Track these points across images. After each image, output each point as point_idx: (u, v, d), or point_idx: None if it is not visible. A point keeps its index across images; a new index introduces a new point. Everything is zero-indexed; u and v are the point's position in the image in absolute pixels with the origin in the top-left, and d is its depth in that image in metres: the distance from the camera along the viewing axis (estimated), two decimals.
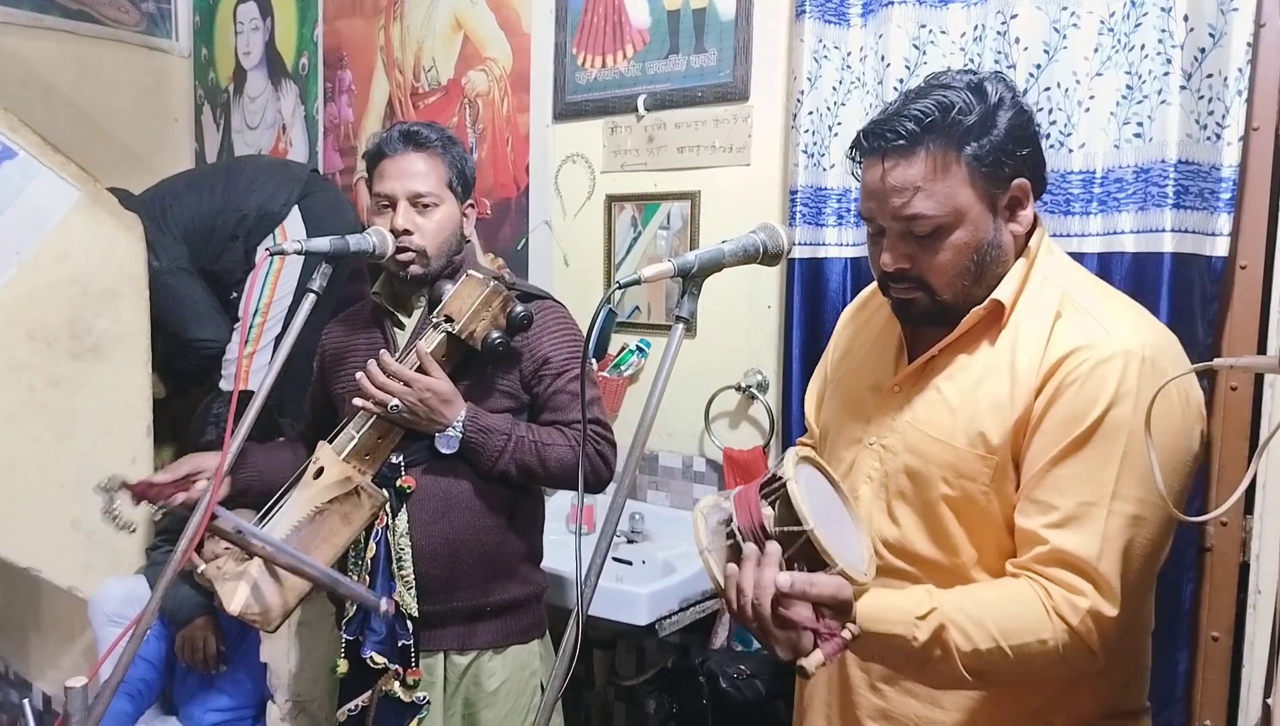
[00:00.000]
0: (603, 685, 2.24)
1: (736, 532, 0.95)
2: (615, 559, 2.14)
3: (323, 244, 1.41)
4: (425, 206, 1.56)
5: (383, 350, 1.53)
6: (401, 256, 1.54)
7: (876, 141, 1.04)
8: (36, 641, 2.70)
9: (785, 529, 0.93)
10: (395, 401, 1.46)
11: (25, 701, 1.36)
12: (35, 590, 2.52)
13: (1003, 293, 1.06)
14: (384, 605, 1.44)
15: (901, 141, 1.01)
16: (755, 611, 0.90)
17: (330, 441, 1.53)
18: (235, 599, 1.40)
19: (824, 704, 1.23)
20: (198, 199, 2.57)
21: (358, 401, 1.51)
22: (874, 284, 1.23)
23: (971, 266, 1.04)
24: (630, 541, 2.19)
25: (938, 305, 1.07)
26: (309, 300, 1.38)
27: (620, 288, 0.99)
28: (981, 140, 1.01)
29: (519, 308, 1.50)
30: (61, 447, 2.26)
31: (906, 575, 1.10)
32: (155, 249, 2.47)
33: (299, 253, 1.40)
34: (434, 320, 1.51)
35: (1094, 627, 0.96)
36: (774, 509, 0.97)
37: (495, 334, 1.48)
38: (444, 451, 1.51)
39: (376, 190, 1.59)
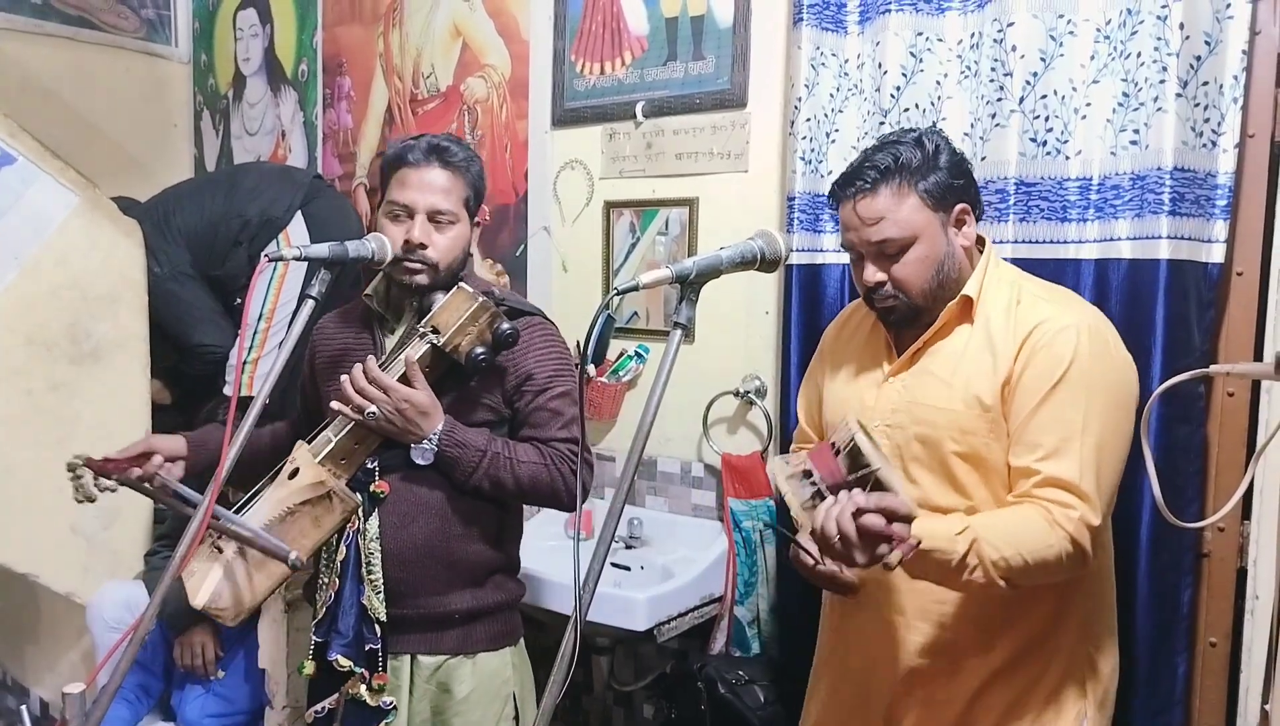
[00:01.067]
0: (601, 690, 2.24)
1: (819, 484, 1.16)
2: (614, 564, 2.14)
3: (322, 250, 1.41)
4: (441, 223, 1.55)
5: (370, 356, 1.52)
6: (411, 265, 1.54)
7: (847, 188, 1.33)
8: (34, 647, 2.69)
9: (859, 473, 1.14)
10: (373, 408, 1.47)
11: (23, 707, 1.35)
12: (33, 595, 2.51)
13: (970, 289, 1.33)
14: (291, 556, 1.43)
15: (866, 185, 1.30)
16: (840, 528, 1.08)
17: (309, 442, 1.54)
18: (201, 592, 1.44)
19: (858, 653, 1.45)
20: (201, 205, 2.57)
21: (335, 405, 1.51)
22: (852, 304, 1.55)
23: (935, 273, 1.32)
24: (629, 547, 2.19)
25: (913, 307, 1.34)
26: (308, 306, 1.39)
27: (618, 294, 1.00)
28: (928, 176, 1.30)
29: (505, 325, 1.50)
30: (60, 452, 2.24)
31: None
32: (157, 255, 2.47)
33: (298, 259, 1.40)
34: (421, 330, 1.50)
35: (1085, 532, 1.21)
36: (844, 465, 1.17)
37: (480, 349, 1.48)
38: (419, 462, 1.52)
39: (393, 197, 1.57)
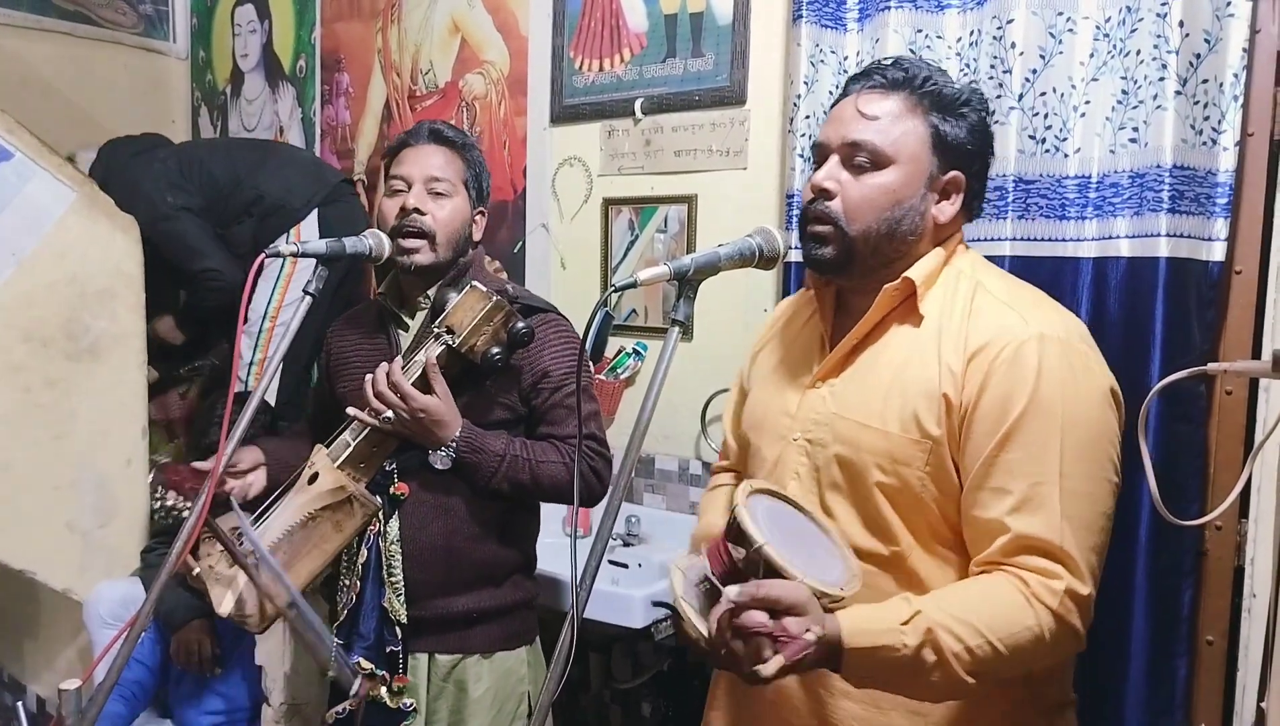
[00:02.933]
0: (598, 688, 2.24)
1: (710, 579, 0.95)
2: (611, 562, 2.13)
3: (320, 246, 1.41)
4: (439, 194, 1.55)
5: (390, 361, 1.51)
6: (408, 240, 1.53)
7: (863, 80, 1.13)
8: (31, 644, 2.69)
9: (745, 556, 0.93)
10: (389, 413, 1.47)
11: (19, 704, 1.35)
12: (30, 592, 2.51)
13: (916, 272, 1.10)
14: (356, 688, 1.46)
15: (884, 82, 1.11)
16: (719, 631, 0.90)
17: (327, 446, 1.54)
18: (226, 600, 1.43)
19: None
20: (228, 161, 2.59)
21: (351, 410, 1.51)
22: (787, 300, 1.30)
23: (889, 215, 1.09)
24: (626, 544, 2.19)
25: (845, 249, 1.10)
26: (305, 302, 1.39)
27: (616, 291, 0.99)
28: (946, 117, 1.10)
29: (520, 323, 1.49)
30: (57, 449, 2.26)
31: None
32: (172, 190, 2.48)
33: (295, 255, 1.40)
34: (435, 330, 1.50)
35: (1073, 607, 0.98)
36: (732, 548, 0.97)
37: (495, 349, 1.48)
38: (437, 467, 1.52)
39: (393, 174, 1.58)
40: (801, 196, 1.15)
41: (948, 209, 1.12)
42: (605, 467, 1.59)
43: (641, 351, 2.30)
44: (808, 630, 0.87)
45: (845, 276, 1.14)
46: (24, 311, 2.20)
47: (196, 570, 1.45)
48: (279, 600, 1.42)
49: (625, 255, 2.33)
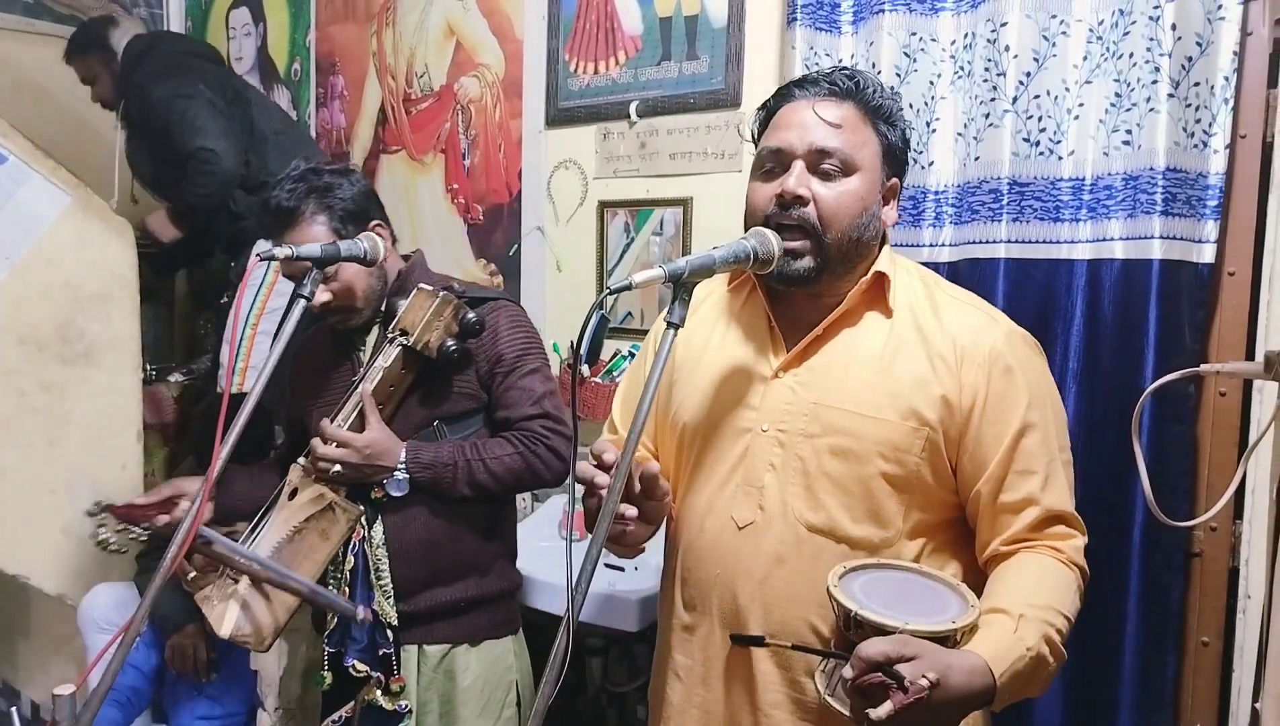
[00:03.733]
0: (595, 691, 2.23)
1: (839, 673, 0.97)
2: (607, 565, 2.13)
3: (314, 250, 1.42)
4: (330, 276, 1.53)
5: (354, 375, 1.58)
6: (334, 321, 1.61)
7: (809, 86, 1.14)
8: (25, 648, 2.68)
9: (854, 631, 0.95)
10: (337, 467, 1.51)
11: (13, 709, 1.35)
12: (24, 597, 2.50)
13: (885, 266, 1.14)
14: (361, 613, 1.53)
15: (837, 89, 1.12)
16: (853, 711, 0.93)
17: (301, 462, 1.57)
18: (226, 622, 1.47)
19: None
20: (270, 117, 2.61)
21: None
22: (714, 278, 1.16)
23: (859, 221, 1.11)
24: None
25: (823, 257, 1.10)
26: (299, 306, 1.39)
27: (611, 293, 0.99)
28: (889, 124, 1.14)
29: (469, 314, 1.54)
30: (51, 453, 2.25)
31: (834, 554, 1.11)
32: (208, 81, 2.49)
33: (290, 259, 1.40)
34: (390, 335, 1.54)
35: (1083, 559, 1.10)
36: (839, 623, 0.99)
37: (449, 342, 1.52)
38: (395, 494, 1.55)
39: (282, 271, 1.63)
40: (761, 204, 1.12)
41: (890, 214, 1.17)
42: (564, 444, 1.60)
43: (636, 353, 2.30)
44: (922, 676, 0.87)
45: (813, 286, 1.13)
46: (18, 315, 2.20)
47: (192, 574, 1.46)
48: (291, 590, 1.47)
49: (621, 258, 2.33)
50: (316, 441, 1.53)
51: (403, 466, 1.53)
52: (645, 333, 2.30)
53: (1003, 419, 1.09)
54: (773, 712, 1.13)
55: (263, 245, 2.44)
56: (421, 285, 1.55)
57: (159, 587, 1.23)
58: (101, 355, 2.32)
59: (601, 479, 1.03)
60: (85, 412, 2.30)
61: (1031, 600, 1.01)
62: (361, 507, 1.54)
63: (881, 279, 1.14)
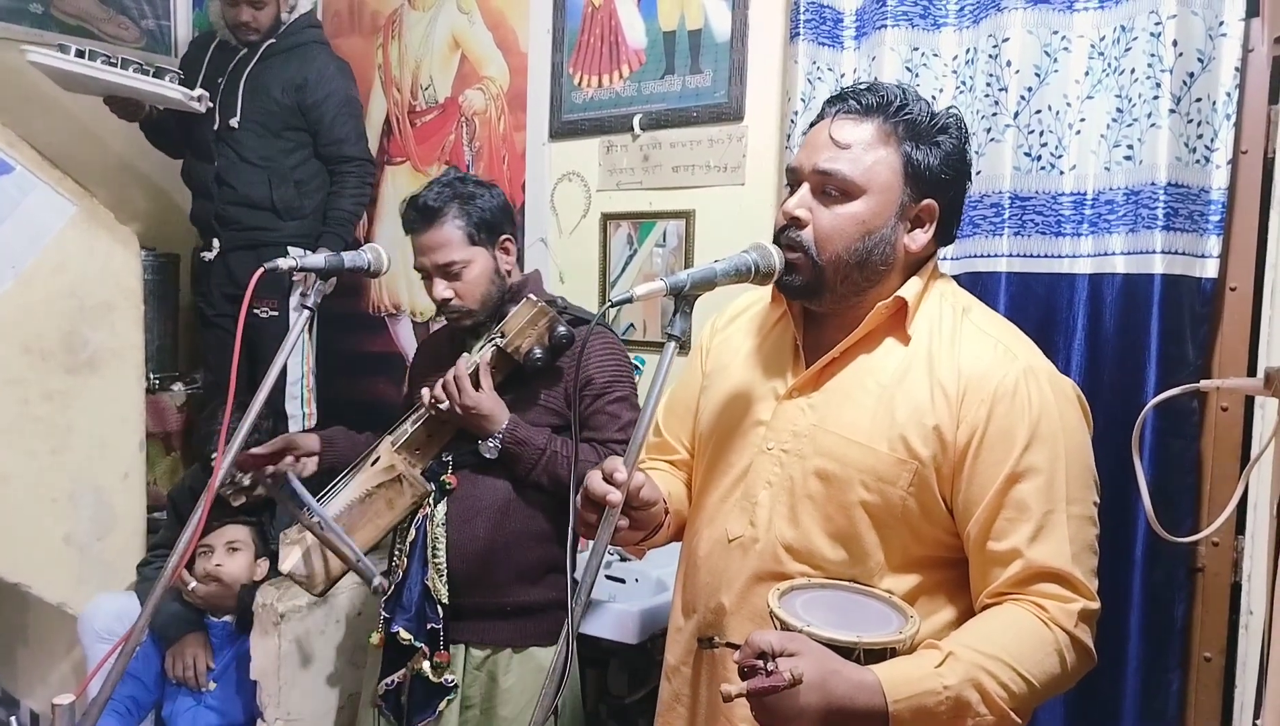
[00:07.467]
0: (595, 703, 2.23)
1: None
2: (608, 577, 2.13)
3: (318, 261, 1.43)
4: (455, 274, 1.67)
5: (460, 359, 1.69)
6: (450, 317, 1.73)
7: (838, 103, 1.12)
8: (25, 657, 2.68)
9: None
10: (444, 403, 1.63)
11: (12, 718, 1.35)
12: (24, 605, 2.50)
13: (907, 292, 1.10)
14: (376, 581, 1.64)
15: (859, 108, 1.10)
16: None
17: (390, 433, 1.71)
18: (288, 561, 1.64)
19: None
20: (337, 99, 2.66)
21: (424, 390, 1.67)
22: (754, 293, 1.26)
23: (860, 246, 1.08)
24: (623, 559, 2.18)
25: (816, 276, 1.09)
26: (304, 316, 1.40)
27: (613, 306, 1.00)
28: (919, 145, 1.08)
29: (561, 327, 1.63)
30: (55, 462, 2.25)
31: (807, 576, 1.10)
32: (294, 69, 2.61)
33: (295, 270, 1.41)
34: (491, 335, 1.69)
35: (1086, 627, 1.01)
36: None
37: (537, 351, 1.63)
38: (485, 455, 1.66)
39: (415, 262, 1.72)
40: (775, 222, 1.14)
41: (920, 237, 1.11)
42: None
43: (640, 365, 2.31)
44: (789, 670, 0.89)
45: (816, 302, 1.13)
46: (23, 324, 2.21)
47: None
48: (342, 551, 1.60)
49: (624, 270, 2.34)
50: (449, 372, 1.63)
51: (500, 435, 1.62)
52: (648, 344, 2.31)
53: (998, 459, 1.03)
54: (737, 710, 1.12)
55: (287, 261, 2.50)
56: (530, 296, 1.67)
57: (159, 597, 1.23)
58: (105, 364, 2.33)
59: (615, 497, 1.02)
60: (88, 421, 2.30)
61: (975, 644, 0.97)
62: (431, 486, 1.67)
63: (900, 306, 1.10)
